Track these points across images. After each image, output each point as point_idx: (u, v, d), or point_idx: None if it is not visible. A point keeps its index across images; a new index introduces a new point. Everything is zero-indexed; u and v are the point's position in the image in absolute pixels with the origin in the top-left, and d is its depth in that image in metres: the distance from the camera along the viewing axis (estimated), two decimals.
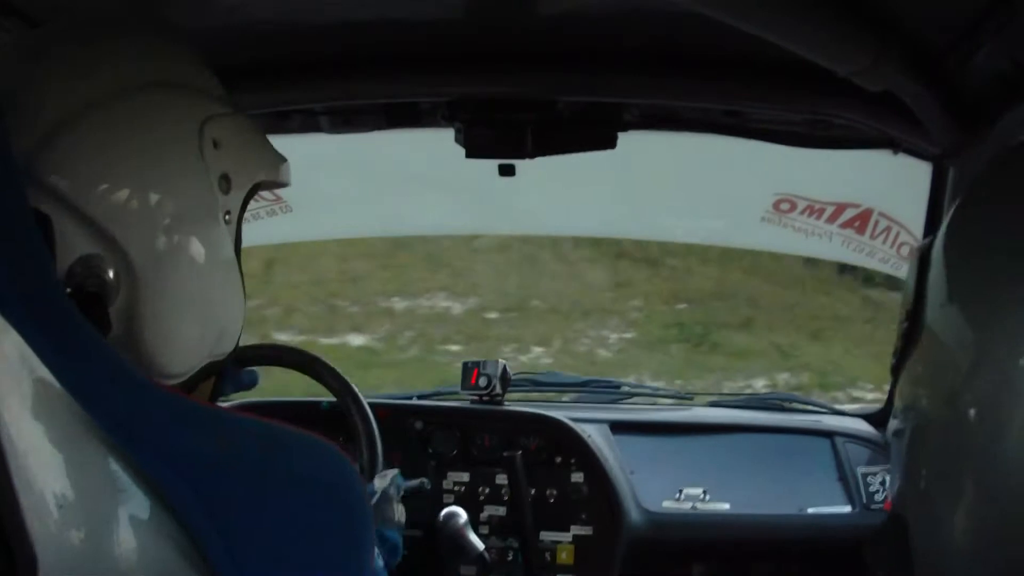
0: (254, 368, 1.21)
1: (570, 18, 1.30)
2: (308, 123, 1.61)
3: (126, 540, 0.80)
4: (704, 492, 2.02)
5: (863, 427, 2.13)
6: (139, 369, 0.85)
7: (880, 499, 1.96)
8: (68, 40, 0.88)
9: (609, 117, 1.53)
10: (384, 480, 1.43)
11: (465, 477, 2.03)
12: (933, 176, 1.76)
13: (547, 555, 2.00)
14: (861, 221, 2.11)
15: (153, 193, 0.84)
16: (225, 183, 0.89)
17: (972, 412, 0.65)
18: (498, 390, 2.11)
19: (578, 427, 2.04)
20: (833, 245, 2.17)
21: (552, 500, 2.01)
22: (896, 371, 0.79)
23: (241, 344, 0.99)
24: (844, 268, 6.90)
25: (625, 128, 1.54)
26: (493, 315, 6.77)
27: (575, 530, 2.01)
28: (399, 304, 6.78)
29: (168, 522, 0.83)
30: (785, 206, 2.13)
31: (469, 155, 1.53)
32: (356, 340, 6.19)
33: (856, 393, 5.43)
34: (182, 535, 0.83)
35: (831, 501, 2.00)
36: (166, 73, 0.88)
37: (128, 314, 0.85)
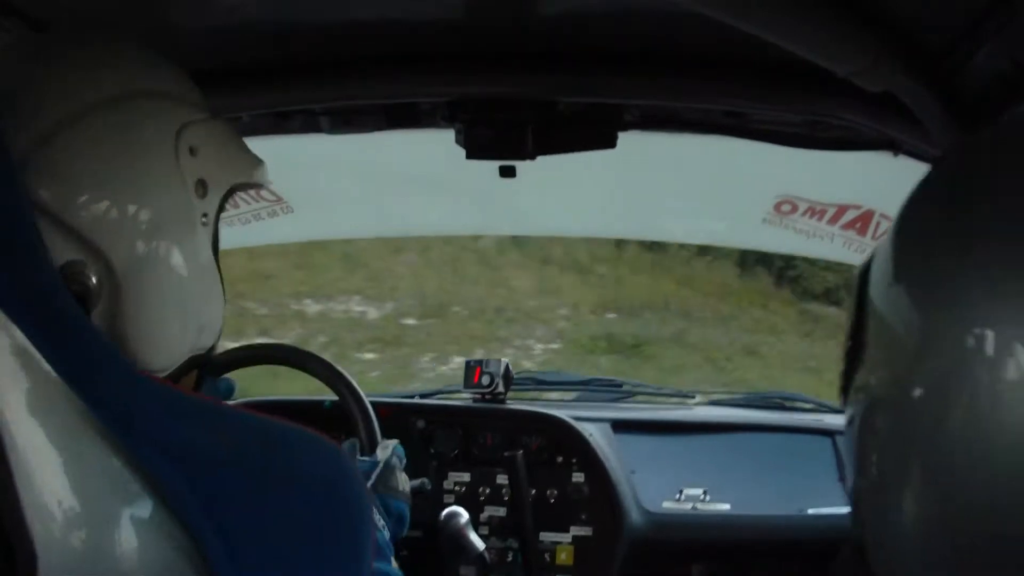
0: (228, 376, 1.24)
1: (570, 18, 1.30)
2: (308, 123, 1.61)
3: (126, 538, 0.80)
4: (704, 492, 2.02)
5: None
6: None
7: None
8: (45, 56, 0.90)
9: (609, 117, 1.54)
10: (386, 451, 1.44)
11: (466, 477, 2.04)
12: None
13: (547, 555, 2.00)
14: (862, 222, 2.10)
15: (132, 201, 0.87)
16: (202, 188, 0.93)
17: (918, 394, 0.66)
18: (500, 388, 2.11)
19: (580, 426, 2.04)
20: (835, 246, 2.17)
21: (553, 500, 2.01)
22: (844, 392, 0.79)
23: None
24: (781, 280, 6.77)
25: (625, 128, 1.55)
26: (411, 321, 6.45)
27: (575, 530, 2.01)
28: (311, 307, 6.44)
29: (168, 519, 0.83)
30: (786, 207, 2.13)
31: (470, 156, 1.54)
32: None
33: None
34: (181, 533, 0.83)
35: (832, 501, 1.99)
36: (142, 83, 0.90)
37: (111, 314, 0.88)
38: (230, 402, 1.68)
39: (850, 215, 2.10)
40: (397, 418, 1.99)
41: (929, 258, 0.68)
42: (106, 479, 0.81)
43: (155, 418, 0.84)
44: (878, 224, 2.08)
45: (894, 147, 1.47)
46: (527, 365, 5.54)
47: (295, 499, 0.88)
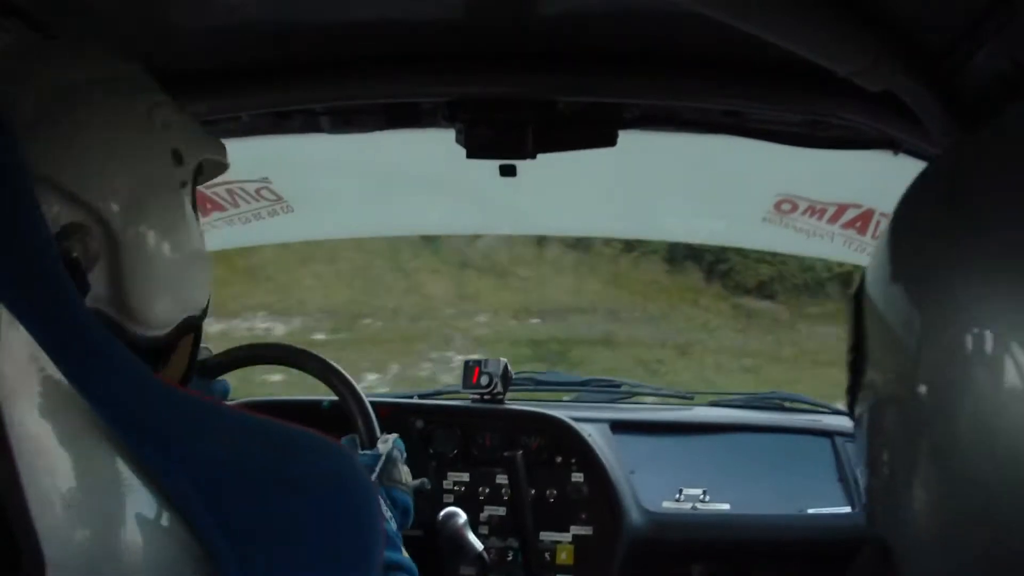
0: (224, 378, 1.25)
1: (570, 18, 1.31)
2: (308, 123, 1.61)
3: (132, 539, 0.80)
4: (704, 492, 2.02)
5: None
6: (125, 323, 0.93)
7: None
8: (39, 54, 1.01)
9: (609, 116, 1.54)
10: (386, 444, 1.45)
11: (465, 477, 2.04)
12: None
13: (547, 555, 2.00)
14: (863, 221, 2.10)
15: (121, 165, 0.96)
16: (177, 157, 1.01)
17: (923, 389, 0.66)
18: (499, 389, 2.12)
19: (579, 426, 2.04)
20: (835, 245, 2.17)
21: (552, 500, 2.01)
22: (851, 404, 0.79)
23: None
24: (712, 274, 6.54)
25: (625, 127, 1.55)
26: (320, 336, 6.15)
27: (575, 530, 2.01)
28: (212, 326, 6.06)
29: (174, 521, 0.83)
30: (787, 207, 2.13)
31: (470, 155, 1.54)
32: None
33: None
34: (187, 534, 0.83)
35: (831, 501, 1.99)
36: (122, 72, 1.02)
37: (111, 274, 0.93)
38: (227, 403, 1.69)
39: (850, 214, 2.10)
40: (396, 418, 1.99)
41: (925, 254, 0.68)
42: (111, 479, 0.81)
43: (159, 418, 0.84)
44: (878, 223, 2.08)
45: (894, 146, 1.47)
46: (446, 379, 5.00)
47: (302, 499, 0.89)
